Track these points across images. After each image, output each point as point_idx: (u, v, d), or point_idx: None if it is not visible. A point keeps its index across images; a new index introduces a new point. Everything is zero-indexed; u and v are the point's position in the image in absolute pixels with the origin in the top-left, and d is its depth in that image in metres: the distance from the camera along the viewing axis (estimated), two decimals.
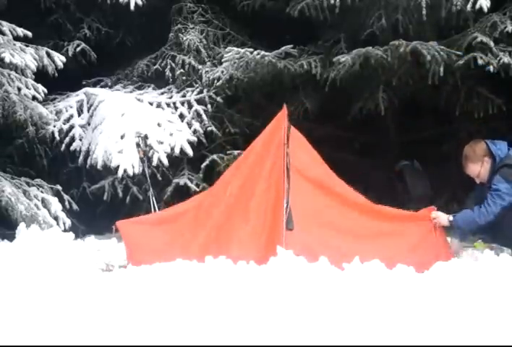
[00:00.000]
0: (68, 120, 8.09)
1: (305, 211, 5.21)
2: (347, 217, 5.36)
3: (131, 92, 8.42)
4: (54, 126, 7.90)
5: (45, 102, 7.80)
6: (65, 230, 6.39)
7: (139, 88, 8.56)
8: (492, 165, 5.32)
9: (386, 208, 5.47)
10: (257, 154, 5.57)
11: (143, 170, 7.08)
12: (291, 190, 5.16)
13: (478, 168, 5.37)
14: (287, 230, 5.01)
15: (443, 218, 5.21)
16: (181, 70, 8.32)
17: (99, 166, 7.34)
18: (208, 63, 8.20)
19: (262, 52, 7.35)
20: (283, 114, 5.44)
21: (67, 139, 7.92)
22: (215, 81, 7.85)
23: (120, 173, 7.13)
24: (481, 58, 6.65)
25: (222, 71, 7.72)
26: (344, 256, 4.72)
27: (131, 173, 7.13)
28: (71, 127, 8.01)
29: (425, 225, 5.29)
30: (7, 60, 6.73)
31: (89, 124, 7.95)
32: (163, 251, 5.30)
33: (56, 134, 7.89)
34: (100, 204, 8.04)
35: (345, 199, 5.41)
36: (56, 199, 7.22)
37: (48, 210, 6.97)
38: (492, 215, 5.03)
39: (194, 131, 7.83)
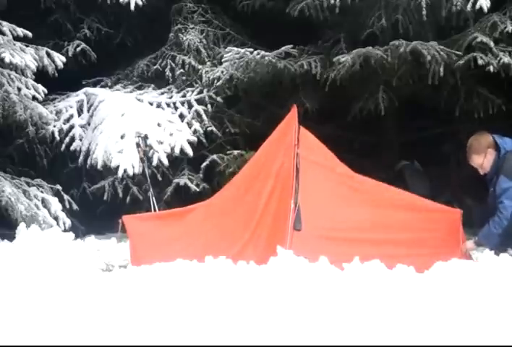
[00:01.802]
0: (68, 120, 8.09)
1: (315, 212, 5.18)
2: (358, 219, 5.31)
3: (131, 92, 8.42)
4: (54, 126, 7.91)
5: (45, 102, 7.81)
6: (65, 230, 6.39)
7: (139, 88, 8.56)
8: (496, 156, 5.30)
9: (410, 202, 5.37)
10: (266, 155, 5.58)
11: (143, 170, 7.08)
12: (301, 191, 5.14)
13: (481, 159, 5.34)
14: (294, 230, 5.00)
15: (469, 245, 5.21)
16: (181, 70, 8.32)
17: (99, 166, 7.34)
18: (208, 63, 8.20)
19: (262, 52, 7.35)
20: (293, 115, 5.43)
21: (67, 139, 7.93)
22: (215, 81, 7.84)
23: (120, 173, 7.14)
24: (481, 58, 6.65)
25: (222, 71, 7.72)
26: (349, 258, 4.69)
27: (131, 173, 7.14)
28: (71, 127, 8.02)
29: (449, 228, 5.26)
30: (7, 60, 6.73)
31: (89, 124, 7.96)
32: (167, 248, 5.31)
33: (56, 134, 7.90)
34: (100, 204, 8.04)
35: (359, 199, 5.36)
36: (56, 199, 7.22)
37: (48, 210, 6.97)
38: (504, 220, 4.99)
39: (194, 131, 7.84)
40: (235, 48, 7.62)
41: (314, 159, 5.38)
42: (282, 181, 5.28)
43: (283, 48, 7.42)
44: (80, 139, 7.90)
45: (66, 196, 7.68)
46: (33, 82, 7.19)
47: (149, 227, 5.67)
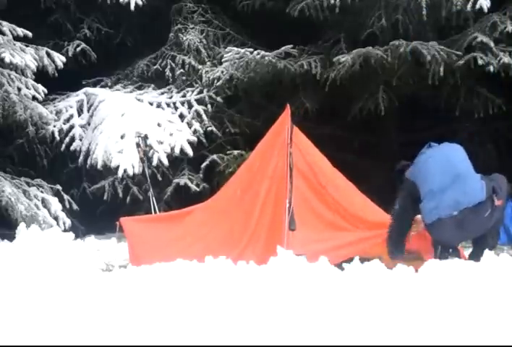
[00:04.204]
0: (68, 120, 8.10)
1: (306, 211, 5.22)
2: (343, 219, 5.39)
3: (131, 92, 8.42)
4: (54, 126, 7.92)
5: (45, 102, 7.81)
6: (65, 230, 6.38)
7: (139, 88, 8.57)
8: None
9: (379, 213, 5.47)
10: (261, 155, 5.59)
11: (143, 170, 7.08)
12: (294, 190, 5.17)
13: None
14: (289, 230, 5.01)
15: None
16: (181, 70, 8.33)
17: (99, 166, 7.34)
18: (208, 63, 8.21)
19: (262, 52, 7.36)
20: (286, 115, 5.44)
21: (67, 139, 7.93)
22: (215, 81, 7.85)
23: (120, 173, 7.14)
24: (481, 58, 6.66)
25: (222, 71, 7.73)
26: (343, 255, 4.75)
27: (131, 173, 7.14)
28: (71, 127, 8.02)
29: None
30: (7, 60, 6.73)
31: (89, 124, 7.97)
32: (166, 250, 5.29)
33: (56, 134, 7.90)
34: (100, 204, 8.04)
35: (339, 207, 5.44)
36: (56, 199, 7.22)
37: (48, 210, 6.97)
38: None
39: (194, 131, 7.84)
40: (235, 48, 7.64)
41: (305, 159, 5.44)
42: (277, 182, 5.30)
43: (283, 48, 7.43)
44: (80, 139, 7.91)
45: (66, 196, 7.68)
46: (33, 82, 7.20)
47: (146, 229, 5.67)
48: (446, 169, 4.82)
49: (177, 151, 7.50)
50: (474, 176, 4.85)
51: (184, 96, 8.25)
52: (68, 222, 7.04)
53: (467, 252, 5.21)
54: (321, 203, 5.43)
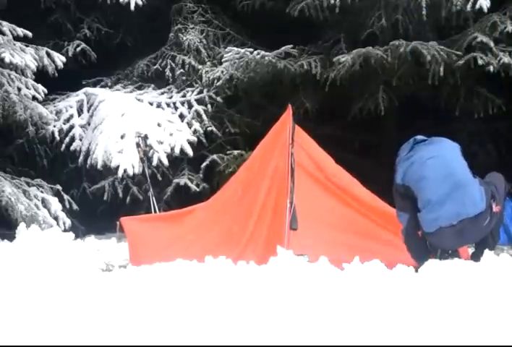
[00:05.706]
0: (68, 120, 8.10)
1: (310, 211, 5.23)
2: (350, 218, 5.40)
3: (131, 92, 8.42)
4: (54, 126, 7.91)
5: (45, 102, 7.81)
6: (65, 230, 6.37)
7: (139, 88, 8.57)
8: None
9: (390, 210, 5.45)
10: (262, 155, 5.60)
11: (143, 170, 7.08)
12: (297, 190, 5.17)
13: None
14: (291, 229, 5.02)
15: None
16: (181, 70, 8.33)
17: (99, 166, 7.34)
18: (208, 63, 8.21)
19: (262, 52, 7.37)
20: (287, 114, 5.45)
21: (67, 139, 7.93)
22: (215, 81, 7.85)
23: (120, 173, 7.14)
24: (481, 58, 6.66)
25: (222, 71, 7.73)
26: (345, 256, 4.74)
27: (131, 173, 7.14)
28: (71, 127, 8.02)
29: None
30: (7, 60, 6.73)
31: (89, 124, 7.97)
32: (166, 250, 5.30)
33: (56, 134, 7.90)
34: (100, 204, 8.04)
35: (350, 199, 5.46)
36: (56, 199, 7.21)
37: (48, 210, 6.96)
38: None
39: (194, 131, 7.84)
40: (235, 48, 7.64)
41: (308, 158, 5.45)
42: (278, 182, 5.31)
43: (283, 48, 7.43)
44: (80, 139, 7.91)
45: (66, 196, 7.67)
46: (33, 82, 7.19)
47: (147, 228, 5.67)
48: (446, 175, 4.69)
49: (177, 151, 7.50)
50: (472, 183, 4.73)
51: (184, 96, 8.25)
52: (68, 222, 7.03)
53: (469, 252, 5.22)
54: (329, 196, 5.44)
